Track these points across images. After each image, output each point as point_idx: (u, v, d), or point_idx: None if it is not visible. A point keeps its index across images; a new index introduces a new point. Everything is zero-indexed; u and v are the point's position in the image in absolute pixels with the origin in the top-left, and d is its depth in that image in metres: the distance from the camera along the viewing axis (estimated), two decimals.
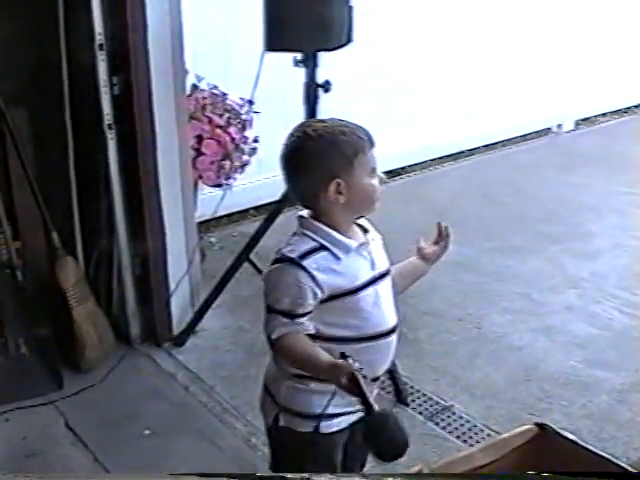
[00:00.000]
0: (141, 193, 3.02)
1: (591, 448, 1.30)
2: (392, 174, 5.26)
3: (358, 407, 1.62)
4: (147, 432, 2.75)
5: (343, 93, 3.08)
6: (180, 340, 3.24)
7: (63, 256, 3.04)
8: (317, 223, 1.72)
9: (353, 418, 1.81)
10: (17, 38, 2.87)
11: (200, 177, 3.45)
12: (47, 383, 2.95)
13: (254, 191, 4.31)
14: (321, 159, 1.69)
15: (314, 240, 1.70)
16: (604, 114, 6.58)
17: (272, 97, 3.65)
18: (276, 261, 1.70)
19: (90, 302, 3.10)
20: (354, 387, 1.50)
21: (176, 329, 3.27)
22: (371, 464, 2.01)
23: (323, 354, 1.65)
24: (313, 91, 2.85)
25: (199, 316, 3.25)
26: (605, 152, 5.66)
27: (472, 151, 5.63)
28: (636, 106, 6.78)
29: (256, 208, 4.44)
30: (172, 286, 3.20)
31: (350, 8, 2.74)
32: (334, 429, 1.82)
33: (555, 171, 5.26)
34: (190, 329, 3.25)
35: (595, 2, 5.90)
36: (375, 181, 1.74)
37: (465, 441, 2.72)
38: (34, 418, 2.80)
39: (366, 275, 1.74)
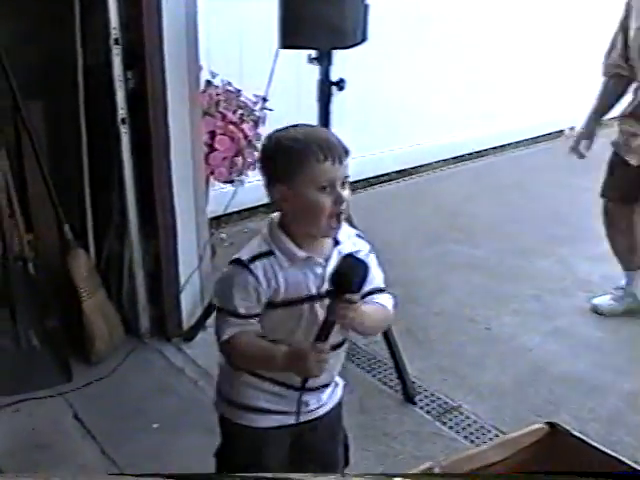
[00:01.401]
0: (153, 188, 3.03)
1: (602, 448, 1.30)
2: (402, 174, 5.27)
3: (289, 409, 1.73)
4: (155, 426, 2.75)
5: (356, 92, 3.08)
6: (190, 335, 3.25)
7: (75, 249, 3.05)
8: (276, 228, 1.70)
9: (286, 420, 1.80)
10: (33, 34, 2.88)
11: (212, 173, 3.45)
12: (57, 375, 2.96)
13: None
14: (269, 163, 1.70)
15: (267, 244, 1.69)
16: (616, 117, 6.54)
17: (285, 94, 3.65)
18: (231, 262, 1.71)
19: (101, 295, 3.12)
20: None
21: (186, 324, 3.28)
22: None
23: (278, 346, 1.67)
24: (327, 89, 2.85)
25: (209, 311, 3.25)
26: None
27: (482, 152, 5.62)
28: None
29: (266, 205, 4.43)
30: (182, 281, 3.21)
31: (366, 6, 2.74)
32: (261, 424, 1.82)
33: (566, 173, 5.23)
34: (200, 324, 3.26)
35: (604, 6, 5.88)
36: (325, 198, 1.63)
37: (472, 441, 2.72)
38: (43, 409, 2.82)
39: (307, 290, 1.69)
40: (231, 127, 3.42)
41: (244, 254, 1.69)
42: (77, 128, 3.06)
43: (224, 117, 3.43)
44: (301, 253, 1.68)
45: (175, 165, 3.03)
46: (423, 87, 4.89)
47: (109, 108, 2.94)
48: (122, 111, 2.94)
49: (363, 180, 4.94)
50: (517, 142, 5.84)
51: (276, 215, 1.74)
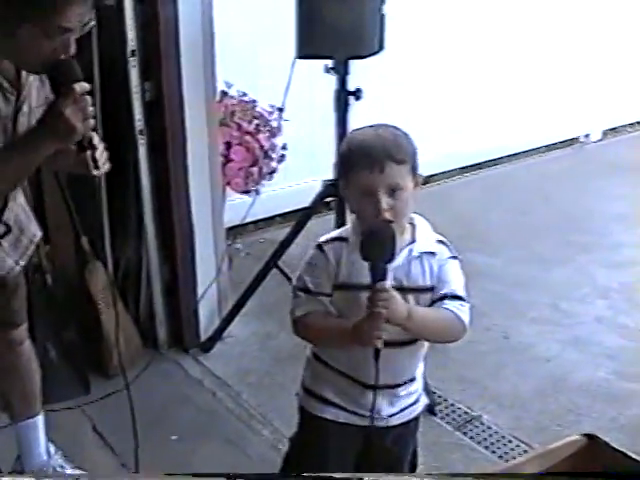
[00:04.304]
0: (171, 199, 3.04)
1: None
2: None
3: (359, 410, 1.80)
4: (174, 437, 2.75)
5: (373, 101, 3.07)
6: (207, 346, 3.25)
7: (92, 261, 3.05)
8: (356, 219, 1.80)
9: (356, 420, 1.84)
10: None
11: (228, 183, 3.46)
12: (74, 387, 2.96)
13: (281, 198, 4.31)
14: (338, 159, 1.85)
15: (346, 231, 1.82)
16: (632, 124, 6.53)
17: (300, 105, 3.64)
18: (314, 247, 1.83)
19: (118, 307, 3.11)
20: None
21: (203, 335, 3.27)
22: None
23: (346, 321, 1.72)
24: (344, 99, 2.85)
25: (226, 322, 3.25)
26: (633, 162, 5.60)
27: (498, 161, 5.60)
28: None
29: (282, 215, 4.44)
30: (200, 292, 3.21)
31: (382, 16, 2.73)
32: (329, 416, 1.85)
33: (583, 181, 5.23)
34: (217, 335, 3.25)
35: (622, 12, 5.87)
36: (365, 204, 1.70)
37: (494, 452, 2.70)
38: (61, 422, 2.81)
39: (366, 278, 1.70)
40: (247, 137, 3.42)
41: (324, 237, 1.83)
42: None
43: (240, 127, 3.44)
44: None
45: (192, 176, 3.03)
46: (439, 96, 4.88)
47: (126, 119, 2.94)
48: (139, 122, 2.95)
49: None
50: (532, 150, 5.81)
51: None
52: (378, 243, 1.64)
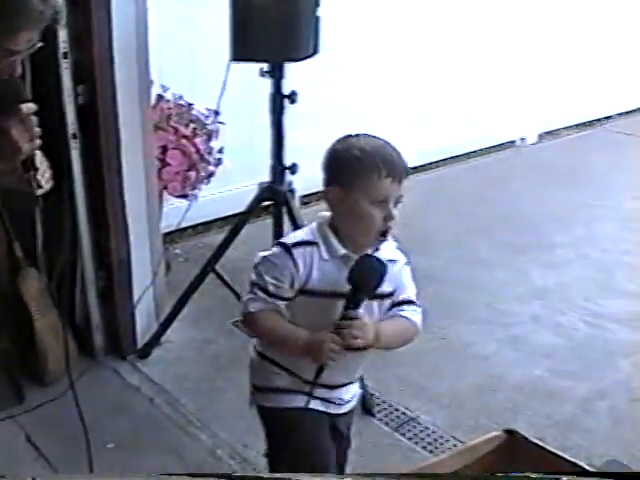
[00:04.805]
0: (105, 204, 2.99)
1: (559, 453, 1.31)
2: None
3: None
4: (110, 446, 2.70)
5: (309, 104, 3.08)
6: (145, 352, 3.21)
7: (25, 267, 2.99)
8: (324, 224, 1.80)
9: (317, 404, 1.88)
10: None
11: (165, 188, 3.42)
12: (8, 397, 2.89)
13: (219, 202, 4.29)
14: (334, 164, 1.80)
15: (312, 234, 1.80)
16: (567, 127, 6.67)
17: (238, 108, 3.64)
18: (275, 245, 1.83)
19: (53, 314, 3.05)
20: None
21: (141, 341, 3.23)
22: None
23: (302, 329, 1.75)
24: (279, 102, 2.85)
25: (164, 328, 3.22)
26: (568, 165, 5.73)
27: (437, 163, 5.66)
28: (598, 120, 6.88)
29: (221, 219, 4.41)
30: (136, 298, 3.17)
31: (317, 19, 2.74)
32: (289, 404, 1.87)
33: (519, 183, 5.31)
34: (155, 341, 3.22)
35: (557, 18, 5.99)
36: (376, 212, 1.73)
37: (432, 451, 2.72)
38: None
39: (337, 286, 1.75)
40: (183, 141, 3.39)
41: (289, 239, 1.82)
42: None
43: (176, 131, 3.41)
44: (341, 250, 1.76)
45: (127, 180, 2.99)
46: (375, 99, 4.90)
47: (59, 123, 2.89)
48: (72, 126, 2.90)
49: (316, 193, 4.93)
50: (470, 153, 5.88)
51: (326, 214, 1.83)
52: (371, 276, 1.69)
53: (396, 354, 3.22)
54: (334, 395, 1.91)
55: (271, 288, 1.77)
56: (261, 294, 1.78)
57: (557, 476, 1.06)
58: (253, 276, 1.82)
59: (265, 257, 1.81)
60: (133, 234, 3.07)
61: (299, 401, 1.86)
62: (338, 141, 1.82)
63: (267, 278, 1.77)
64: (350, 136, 1.82)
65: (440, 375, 3.16)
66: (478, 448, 1.41)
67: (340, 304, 1.75)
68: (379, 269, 1.70)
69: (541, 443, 1.38)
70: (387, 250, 1.83)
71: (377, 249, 1.80)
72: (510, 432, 1.43)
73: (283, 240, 1.83)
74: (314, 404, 1.87)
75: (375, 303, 1.81)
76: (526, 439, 1.37)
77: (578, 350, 3.39)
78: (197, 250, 4.13)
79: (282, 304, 1.79)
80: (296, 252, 1.76)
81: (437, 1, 5.19)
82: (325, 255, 1.76)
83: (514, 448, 1.37)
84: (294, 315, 1.80)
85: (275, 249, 1.80)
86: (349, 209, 1.75)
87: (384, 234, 1.76)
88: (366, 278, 1.70)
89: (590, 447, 2.72)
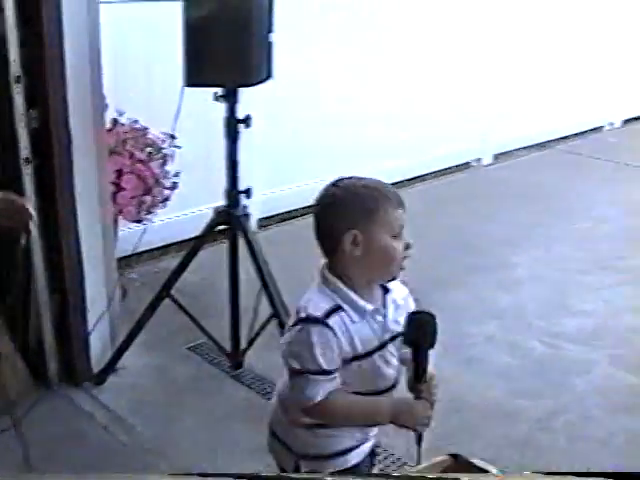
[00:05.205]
0: (59, 228, 2.96)
1: (501, 476, 1.32)
2: (311, 209, 5.28)
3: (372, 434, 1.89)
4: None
5: (264, 128, 3.09)
6: (100, 379, 3.17)
7: None
8: (336, 280, 1.73)
9: (366, 449, 1.93)
10: None
11: (120, 212, 3.40)
12: None
13: (175, 226, 4.27)
14: (342, 209, 1.72)
15: (332, 299, 1.72)
16: (522, 148, 6.77)
17: (194, 132, 3.64)
18: (301, 320, 1.71)
19: (5, 341, 3.01)
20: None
21: (95, 367, 3.19)
22: None
23: (380, 399, 1.78)
24: (234, 126, 2.86)
25: (119, 354, 3.18)
26: (523, 185, 5.81)
27: (393, 185, 5.69)
28: (551, 140, 7.00)
29: (178, 243, 4.39)
30: (91, 324, 3.13)
31: (270, 44, 2.76)
32: (354, 461, 1.89)
33: (475, 204, 5.37)
34: (110, 367, 3.18)
35: (512, 44, 6.09)
36: (397, 244, 1.72)
37: (388, 475, 2.71)
38: None
39: (375, 340, 1.76)
40: (139, 165, 3.38)
41: (313, 310, 1.70)
42: None
43: (131, 155, 3.39)
44: (369, 306, 1.74)
45: (80, 205, 2.96)
46: (328, 122, 4.90)
47: (11, 147, 2.86)
48: (25, 150, 2.87)
49: (273, 216, 4.93)
50: (426, 174, 5.94)
51: (324, 263, 1.78)
52: (429, 333, 1.69)
53: None
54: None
55: (326, 367, 1.69)
56: (318, 377, 1.70)
57: None
58: (295, 365, 1.72)
59: (299, 339, 1.70)
60: (87, 259, 3.04)
61: (360, 455, 1.90)
62: (330, 190, 1.75)
63: (320, 360, 1.67)
64: (339, 181, 1.76)
65: None
66: (424, 473, 1.42)
67: (387, 352, 1.78)
68: (432, 322, 1.70)
69: (485, 466, 1.39)
70: (398, 288, 1.85)
71: (387, 290, 1.80)
72: (455, 456, 1.44)
73: (307, 314, 1.70)
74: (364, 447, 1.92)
75: (398, 342, 1.81)
76: (470, 463, 1.38)
77: (534, 369, 3.43)
78: (153, 275, 4.09)
79: (338, 377, 1.73)
80: (331, 322, 1.69)
81: (391, 23, 5.25)
82: (355, 317, 1.72)
83: (459, 472, 1.38)
84: (345, 382, 1.75)
85: (306, 326, 1.69)
86: (371, 249, 1.70)
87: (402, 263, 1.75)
88: (425, 337, 1.69)
89: (546, 465, 2.74)
